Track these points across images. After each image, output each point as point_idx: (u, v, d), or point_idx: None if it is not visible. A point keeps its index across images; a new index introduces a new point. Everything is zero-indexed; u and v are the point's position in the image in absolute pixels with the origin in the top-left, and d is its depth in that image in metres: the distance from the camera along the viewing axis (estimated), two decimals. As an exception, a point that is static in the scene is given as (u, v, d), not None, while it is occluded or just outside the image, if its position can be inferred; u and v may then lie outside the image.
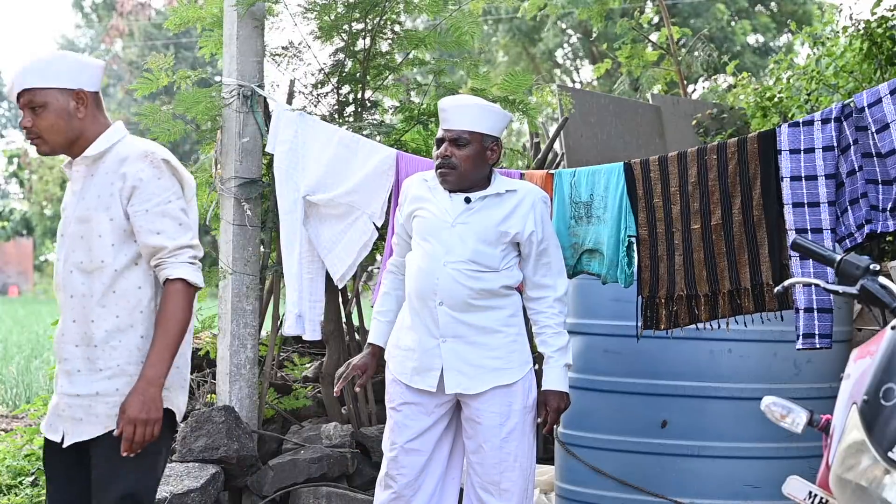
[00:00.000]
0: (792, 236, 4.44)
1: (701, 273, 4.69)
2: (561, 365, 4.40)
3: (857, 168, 4.41)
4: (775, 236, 4.57)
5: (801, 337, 4.52)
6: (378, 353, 4.57)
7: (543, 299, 4.43)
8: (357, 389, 4.57)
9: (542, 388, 4.41)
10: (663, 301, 4.77)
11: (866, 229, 4.45)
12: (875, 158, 4.39)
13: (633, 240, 4.81)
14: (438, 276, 4.33)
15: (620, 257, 4.81)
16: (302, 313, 5.60)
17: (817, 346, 4.51)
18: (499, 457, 4.34)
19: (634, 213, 4.80)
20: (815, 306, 4.50)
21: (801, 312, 4.52)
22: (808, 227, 4.45)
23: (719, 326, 4.75)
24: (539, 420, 4.41)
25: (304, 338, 5.64)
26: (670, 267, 4.74)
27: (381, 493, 4.46)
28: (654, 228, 4.77)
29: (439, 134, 4.40)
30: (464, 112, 4.37)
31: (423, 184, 4.48)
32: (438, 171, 4.38)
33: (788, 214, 4.49)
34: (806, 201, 4.47)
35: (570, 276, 5.04)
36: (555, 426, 4.51)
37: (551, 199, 5.07)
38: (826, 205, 4.43)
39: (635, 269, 4.82)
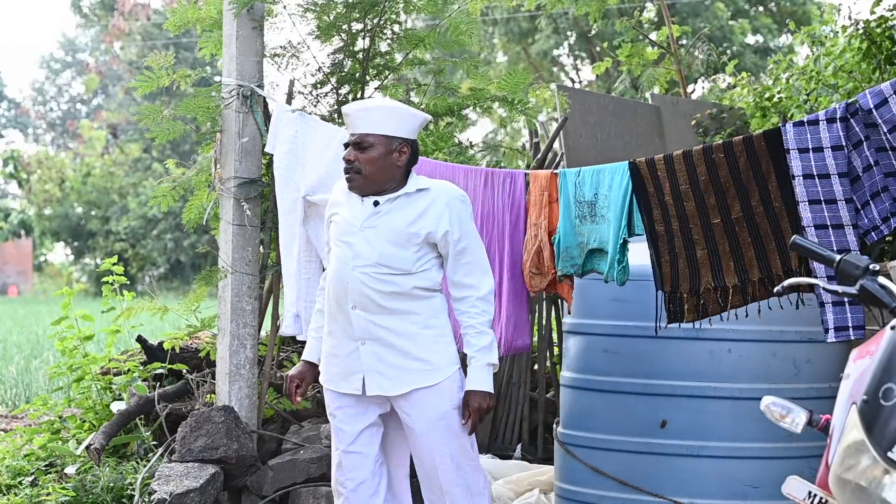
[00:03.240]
0: (810, 232, 4.45)
1: (728, 264, 4.68)
2: (483, 364, 4.32)
3: (872, 162, 4.41)
4: (799, 228, 4.56)
5: (832, 330, 4.52)
6: (313, 365, 4.55)
7: (466, 299, 4.35)
8: (298, 400, 4.52)
9: (465, 389, 4.34)
10: (686, 295, 4.75)
11: (892, 222, 4.45)
12: (891, 153, 4.38)
13: (627, 239, 4.81)
14: (349, 281, 4.29)
15: (617, 255, 4.82)
16: (299, 313, 5.60)
17: (852, 337, 4.52)
18: (434, 459, 4.31)
19: (647, 210, 4.76)
20: (845, 300, 4.49)
21: (830, 306, 4.51)
22: (829, 224, 4.46)
23: (746, 314, 4.73)
24: (463, 421, 4.33)
25: (299, 338, 5.64)
26: (691, 261, 4.72)
27: (336, 502, 4.45)
28: (670, 225, 4.74)
29: (346, 139, 4.36)
30: (367, 115, 4.30)
31: (341, 190, 4.44)
32: (346, 175, 4.33)
33: (805, 211, 4.49)
34: (823, 198, 4.46)
35: (579, 276, 5.04)
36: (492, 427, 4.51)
37: (557, 199, 5.07)
38: (843, 202, 4.43)
39: (626, 267, 4.82)
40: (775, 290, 3.47)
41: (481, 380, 4.32)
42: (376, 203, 4.32)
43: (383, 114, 4.30)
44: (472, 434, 4.36)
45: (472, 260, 4.35)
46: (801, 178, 4.49)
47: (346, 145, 4.34)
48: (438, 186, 4.37)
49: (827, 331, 4.54)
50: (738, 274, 4.66)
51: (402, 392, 4.29)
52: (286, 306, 5.63)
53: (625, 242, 4.81)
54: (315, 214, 5.59)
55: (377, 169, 4.28)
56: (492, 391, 4.34)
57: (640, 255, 4.90)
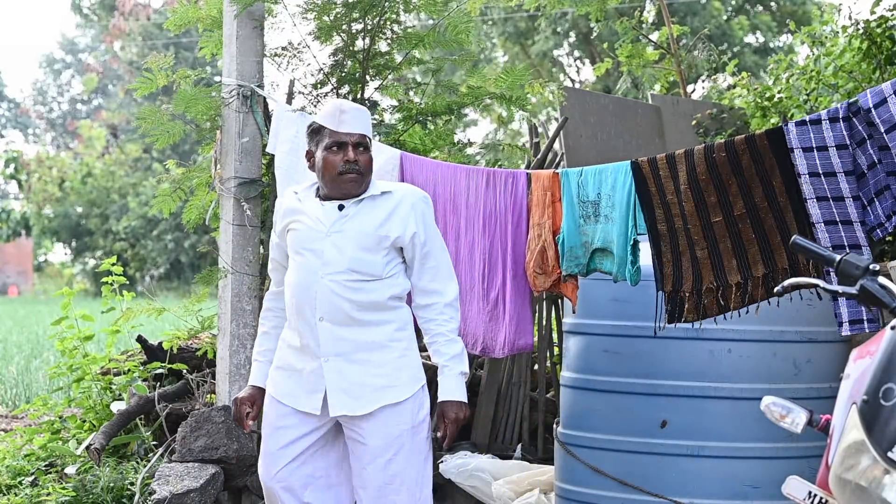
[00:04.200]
0: (820, 229, 4.46)
1: (730, 263, 4.66)
2: (456, 373, 4.18)
3: (876, 161, 4.42)
4: (805, 223, 4.56)
5: (846, 323, 4.53)
6: (261, 389, 4.29)
7: (433, 306, 4.19)
8: (250, 424, 4.26)
9: (439, 400, 4.17)
10: (688, 294, 4.75)
11: (895, 219, 4.46)
12: (892, 152, 4.39)
13: (638, 239, 4.80)
14: (316, 290, 4.08)
15: (627, 255, 4.80)
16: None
17: (866, 329, 4.53)
18: (383, 479, 4.09)
19: (650, 209, 4.75)
20: None
21: (843, 300, 4.52)
22: (838, 220, 4.46)
23: (747, 311, 4.71)
24: (438, 434, 4.17)
25: None
26: (693, 261, 4.71)
27: None
28: (672, 224, 4.73)
29: (336, 138, 4.13)
30: (363, 116, 4.18)
31: (293, 197, 4.25)
32: (346, 176, 4.12)
33: (813, 208, 4.49)
34: (830, 196, 4.47)
35: (583, 275, 5.03)
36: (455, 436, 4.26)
37: (559, 199, 5.05)
38: (850, 199, 4.44)
39: (640, 267, 4.81)
40: (776, 290, 3.47)
41: (455, 389, 4.18)
42: (341, 207, 4.15)
43: (367, 115, 4.22)
44: (428, 458, 4.17)
45: (436, 264, 4.20)
46: (808, 175, 4.49)
47: (341, 145, 4.14)
48: (402, 188, 4.27)
49: (841, 324, 4.55)
50: (740, 272, 4.65)
51: (367, 411, 4.09)
52: None
53: (636, 243, 4.80)
54: (315, 214, 5.60)
55: (370, 171, 4.18)
56: (466, 401, 4.21)
57: (641, 255, 4.89)
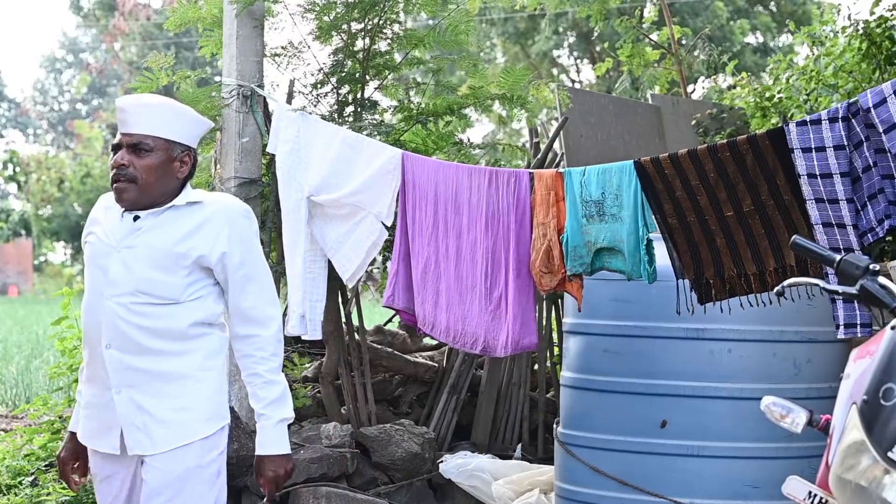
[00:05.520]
0: (818, 230, 4.46)
1: (745, 253, 4.66)
2: (274, 422, 3.65)
3: (871, 164, 4.42)
4: (809, 223, 4.56)
5: (841, 326, 4.53)
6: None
7: (251, 339, 3.63)
8: (80, 482, 3.78)
9: (256, 453, 3.68)
10: (712, 280, 4.74)
11: (886, 224, 4.46)
12: (888, 155, 4.39)
13: (651, 238, 4.79)
14: (101, 314, 3.54)
15: (641, 255, 4.79)
16: (305, 313, 5.59)
17: (858, 334, 4.52)
18: None
19: (658, 205, 4.74)
20: None
21: (840, 302, 4.52)
22: (833, 223, 4.46)
23: (762, 303, 4.72)
24: (262, 490, 3.69)
25: (305, 337, 5.63)
26: (713, 249, 4.71)
27: None
28: (684, 218, 4.72)
29: (116, 139, 3.61)
30: (148, 113, 3.58)
31: (100, 204, 3.71)
32: (114, 185, 3.57)
33: (812, 209, 4.49)
34: (825, 198, 4.47)
35: (588, 275, 5.01)
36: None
37: (563, 198, 5.02)
38: (845, 202, 4.43)
39: (656, 266, 4.79)
40: (776, 289, 3.47)
41: (274, 442, 3.67)
42: (136, 218, 3.58)
43: (167, 114, 3.61)
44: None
45: (258, 289, 3.63)
46: (806, 177, 4.49)
47: (116, 147, 3.60)
48: (216, 200, 3.66)
49: (838, 327, 4.56)
50: (755, 263, 4.66)
51: (164, 450, 3.55)
52: (291, 306, 5.61)
53: (650, 242, 4.78)
54: (320, 214, 5.59)
55: (155, 179, 3.56)
56: (289, 452, 3.69)
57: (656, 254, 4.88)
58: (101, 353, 3.55)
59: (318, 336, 5.62)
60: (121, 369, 3.54)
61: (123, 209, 3.59)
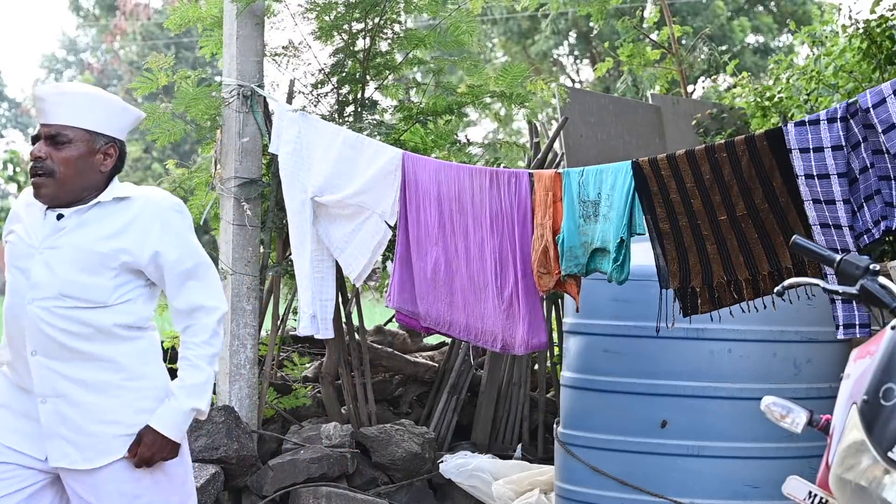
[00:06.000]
0: (816, 230, 4.46)
1: (738, 259, 4.65)
2: (182, 406, 3.38)
3: (868, 165, 4.42)
4: (807, 224, 4.56)
5: (841, 327, 4.53)
6: None
7: (190, 327, 3.45)
8: None
9: (148, 422, 3.39)
10: (699, 289, 4.73)
11: (882, 226, 4.45)
12: (886, 156, 4.39)
13: (625, 237, 4.79)
14: (25, 318, 3.34)
15: (619, 255, 4.80)
16: (315, 313, 5.59)
17: (857, 335, 4.53)
18: None
19: (651, 208, 4.73)
20: None
21: (840, 303, 4.52)
22: (830, 223, 4.46)
23: (764, 306, 4.70)
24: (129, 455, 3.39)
25: (317, 337, 5.63)
26: (702, 256, 4.70)
27: None
28: (677, 222, 4.72)
29: (36, 129, 3.40)
30: (67, 102, 3.37)
31: (22, 199, 3.51)
32: (32, 179, 3.38)
33: (810, 210, 4.49)
34: (822, 199, 4.47)
35: (583, 275, 5.01)
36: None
37: (561, 198, 5.02)
38: (841, 202, 4.43)
39: (625, 266, 4.77)
40: (776, 289, 3.47)
41: (173, 424, 3.37)
42: (60, 216, 3.38)
43: (88, 103, 3.40)
44: None
45: (198, 285, 3.44)
46: (804, 177, 4.49)
47: (35, 139, 3.40)
48: (145, 194, 3.44)
49: (837, 327, 4.56)
50: (748, 268, 4.65)
51: (96, 466, 3.35)
52: (301, 307, 5.61)
53: (622, 241, 4.78)
54: (324, 214, 5.59)
55: (75, 172, 3.36)
56: (178, 441, 3.39)
57: (640, 254, 4.88)
58: (27, 360, 3.36)
59: (329, 335, 5.63)
60: (48, 377, 3.35)
61: (45, 206, 3.39)
